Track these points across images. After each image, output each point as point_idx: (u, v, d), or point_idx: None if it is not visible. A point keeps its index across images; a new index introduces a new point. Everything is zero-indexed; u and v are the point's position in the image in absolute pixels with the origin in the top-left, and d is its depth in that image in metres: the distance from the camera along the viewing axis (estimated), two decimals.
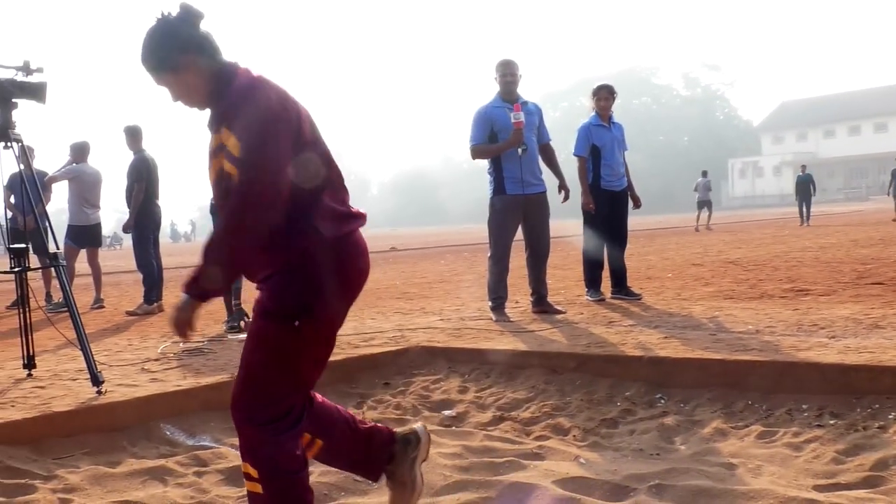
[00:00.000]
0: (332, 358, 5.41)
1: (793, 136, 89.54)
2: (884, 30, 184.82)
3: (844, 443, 3.68)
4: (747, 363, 4.62)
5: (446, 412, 4.75)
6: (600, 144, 7.93)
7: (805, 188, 26.85)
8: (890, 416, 3.90)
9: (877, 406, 4.04)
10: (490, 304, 7.19)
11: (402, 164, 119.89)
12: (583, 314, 7.04)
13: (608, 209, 7.98)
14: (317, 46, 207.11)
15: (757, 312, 6.53)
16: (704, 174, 27.11)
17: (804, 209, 26.28)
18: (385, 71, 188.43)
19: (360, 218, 2.73)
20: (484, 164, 7.18)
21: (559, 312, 7.04)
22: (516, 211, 7.06)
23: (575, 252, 10.16)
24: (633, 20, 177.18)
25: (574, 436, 4.19)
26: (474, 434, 4.25)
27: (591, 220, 8.01)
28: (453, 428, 4.45)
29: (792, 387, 4.38)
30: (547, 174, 7.29)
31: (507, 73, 7.00)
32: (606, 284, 8.11)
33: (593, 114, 8.07)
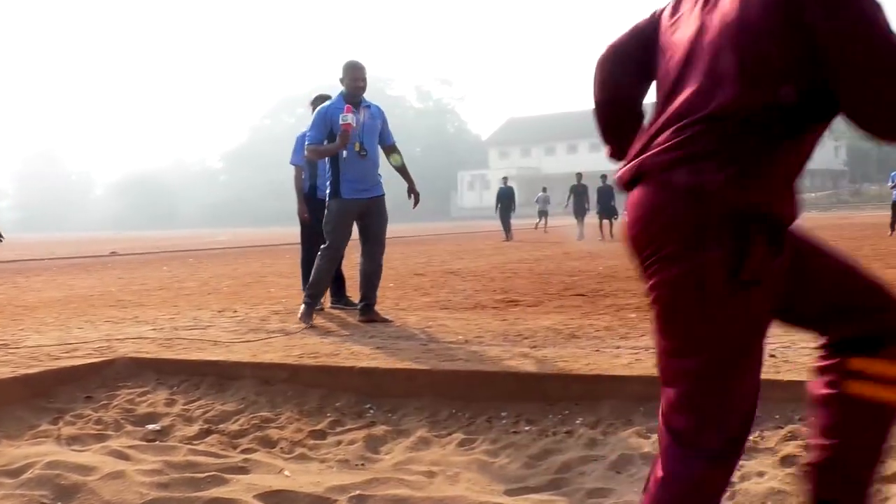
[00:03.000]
0: (27, 371, 5.13)
1: (518, 151, 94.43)
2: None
3: (536, 448, 3.90)
4: (452, 373, 4.80)
5: (150, 426, 4.59)
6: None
7: (507, 201, 26.65)
8: (577, 422, 4.18)
9: (567, 412, 4.33)
10: (305, 299, 7.07)
11: (131, 165, 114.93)
12: (299, 324, 7.03)
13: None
14: (27, 24, 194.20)
15: (468, 323, 6.80)
16: (544, 189, 30.98)
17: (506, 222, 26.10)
18: (111, 64, 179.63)
19: None
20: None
21: (386, 321, 6.95)
22: (352, 215, 6.96)
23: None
24: (369, 30, 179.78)
25: (282, 448, 4.17)
26: (178, 448, 4.12)
27: (308, 229, 8.04)
28: (157, 442, 4.30)
29: (493, 395, 4.60)
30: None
31: (359, 79, 6.96)
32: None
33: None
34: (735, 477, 3.30)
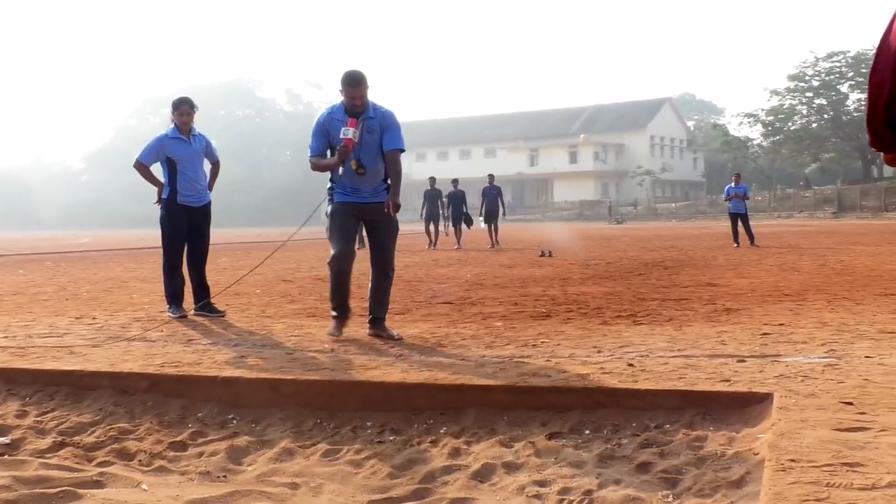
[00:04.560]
0: None
1: (408, 155, 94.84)
2: (495, 62, 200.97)
3: (401, 458, 3.91)
4: (317, 382, 4.77)
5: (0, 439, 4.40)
6: (177, 158, 7.82)
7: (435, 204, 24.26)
8: (441, 431, 4.22)
9: (432, 421, 4.36)
10: (332, 313, 6.58)
11: None
12: (162, 332, 6.86)
13: (187, 224, 7.90)
14: None
15: None
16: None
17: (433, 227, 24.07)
18: None
19: None
20: None
21: (393, 338, 6.32)
22: (349, 217, 6.48)
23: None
24: (237, 31, 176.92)
25: (140, 460, 4.06)
26: (29, 463, 3.95)
27: (169, 234, 7.88)
28: (6, 457, 4.11)
29: (359, 404, 4.59)
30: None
31: (355, 97, 6.21)
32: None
33: (172, 126, 7.90)
34: (592, 484, 3.40)
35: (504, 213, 24.80)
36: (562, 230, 37.86)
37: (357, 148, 6.27)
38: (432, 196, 23.58)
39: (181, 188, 7.84)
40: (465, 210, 23.53)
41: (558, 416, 4.26)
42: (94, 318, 7.79)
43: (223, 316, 7.80)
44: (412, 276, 12.61)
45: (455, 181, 24.14)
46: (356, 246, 6.63)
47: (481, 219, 24.29)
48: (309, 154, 6.49)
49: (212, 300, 7.99)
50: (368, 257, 6.58)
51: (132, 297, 10.10)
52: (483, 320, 7.27)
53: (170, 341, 6.38)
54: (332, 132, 6.36)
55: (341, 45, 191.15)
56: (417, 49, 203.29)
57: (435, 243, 23.10)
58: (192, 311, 7.87)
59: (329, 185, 6.60)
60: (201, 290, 7.99)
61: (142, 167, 7.86)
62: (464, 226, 23.51)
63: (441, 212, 23.79)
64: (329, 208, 6.56)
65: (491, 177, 25.01)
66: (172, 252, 7.95)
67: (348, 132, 6.20)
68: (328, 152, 6.48)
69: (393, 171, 6.40)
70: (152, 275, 12.32)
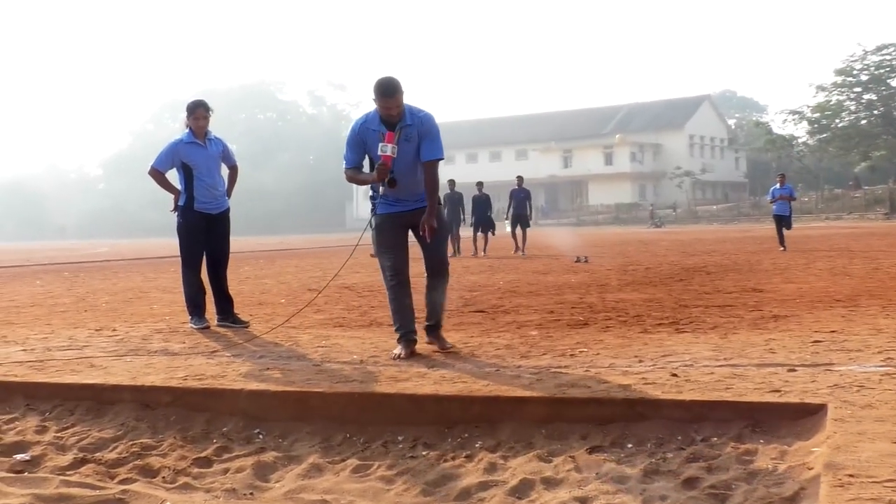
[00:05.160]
0: None
1: None
2: (526, 60, 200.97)
3: (434, 473, 3.90)
4: (346, 395, 4.76)
5: (19, 456, 4.43)
6: (193, 164, 7.82)
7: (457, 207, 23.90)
8: (476, 445, 4.20)
9: (466, 435, 4.34)
10: (396, 333, 6.29)
11: (0, 170, 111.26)
12: (184, 343, 6.90)
13: (205, 232, 7.93)
14: None
15: (363, 342, 6.77)
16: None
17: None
18: None
19: None
20: None
21: (446, 348, 6.25)
22: (396, 228, 6.31)
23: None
24: (258, 32, 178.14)
25: (163, 477, 4.08)
26: (50, 480, 3.98)
27: (186, 242, 7.91)
28: (26, 474, 4.15)
29: (389, 418, 4.58)
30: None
31: (389, 107, 5.94)
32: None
33: (187, 131, 7.90)
34: (636, 501, 3.36)
35: (532, 218, 23.91)
36: (567, 234, 37.41)
37: (393, 163, 6.05)
38: (452, 200, 22.67)
39: (198, 195, 7.85)
40: (489, 215, 23.08)
41: (599, 429, 4.22)
42: (115, 330, 7.85)
43: (247, 327, 7.83)
44: None
45: (479, 184, 23.59)
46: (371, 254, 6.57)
47: (507, 222, 23.85)
48: (344, 165, 6.33)
49: (235, 311, 8.04)
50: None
51: (153, 307, 10.18)
52: (518, 329, 7.25)
53: (192, 353, 6.41)
54: (368, 142, 6.16)
55: (364, 44, 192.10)
56: (444, 47, 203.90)
57: (458, 250, 22.61)
58: (216, 323, 7.91)
59: (371, 194, 6.46)
60: (223, 301, 8.02)
61: (157, 174, 7.90)
62: (488, 233, 23.03)
63: (462, 217, 23.04)
64: (373, 221, 6.43)
65: (520, 178, 24.09)
66: (191, 261, 7.97)
67: (386, 149, 5.98)
68: (367, 163, 6.33)
69: (430, 185, 6.20)
70: (173, 285, 12.40)
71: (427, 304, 6.41)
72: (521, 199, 23.20)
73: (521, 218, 23.13)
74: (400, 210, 6.28)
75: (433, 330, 6.42)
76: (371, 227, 6.49)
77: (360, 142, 6.20)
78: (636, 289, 10.93)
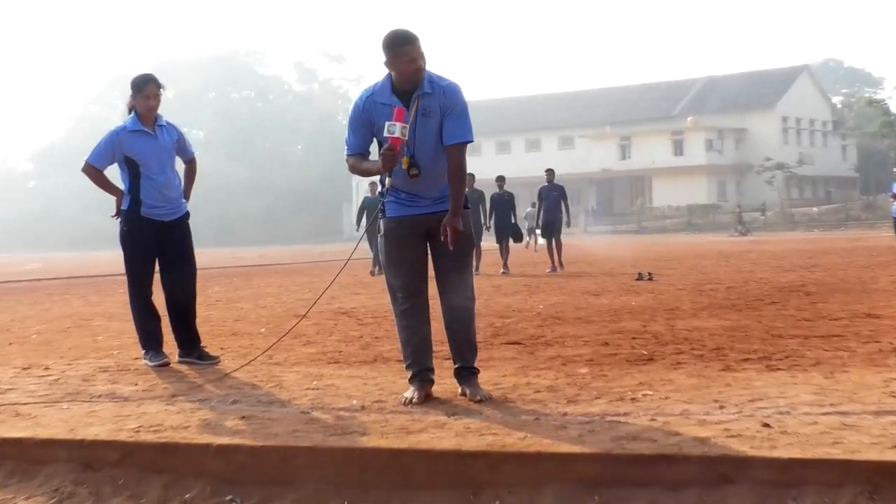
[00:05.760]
0: None
1: None
2: (572, 24, 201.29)
3: None
4: (344, 451, 4.76)
5: None
6: (139, 157, 7.79)
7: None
8: None
9: (498, 502, 4.33)
10: (406, 369, 6.24)
11: None
12: (136, 385, 6.92)
13: (156, 245, 7.91)
14: None
15: (366, 382, 6.77)
16: (534, 205, 27.33)
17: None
18: None
19: None
20: None
21: (480, 400, 5.91)
22: (411, 237, 6.14)
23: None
24: None
25: None
26: None
27: (131, 256, 7.94)
28: None
29: (399, 481, 4.58)
30: None
31: (406, 61, 5.82)
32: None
33: (131, 115, 7.87)
34: None
35: (568, 223, 23.12)
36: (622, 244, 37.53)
37: (410, 143, 5.91)
38: (472, 200, 21.87)
39: (145, 197, 7.80)
40: (513, 220, 22.46)
41: (670, 495, 4.21)
42: (47, 369, 7.87)
43: (217, 363, 7.83)
44: None
45: (500, 179, 22.77)
46: (374, 270, 6.53)
47: (538, 232, 23.22)
48: (345, 151, 6.20)
49: (202, 344, 8.04)
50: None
51: (97, 339, 10.22)
52: (563, 366, 7.23)
53: (147, 398, 6.42)
54: (375, 120, 5.99)
55: (367, 7, 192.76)
56: (467, 6, 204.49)
57: (477, 267, 21.19)
58: (177, 359, 7.92)
59: (378, 189, 6.35)
60: (185, 332, 7.99)
61: (92, 171, 7.84)
62: (508, 242, 22.48)
63: (483, 222, 22.15)
64: (381, 226, 6.27)
65: (550, 172, 23.08)
66: (139, 281, 7.97)
67: (394, 129, 5.77)
68: (374, 146, 6.17)
69: (453, 175, 6.00)
70: (122, 310, 12.44)
71: (449, 340, 6.24)
72: (553, 199, 22.64)
73: (553, 224, 22.57)
74: (415, 213, 6.11)
75: (466, 375, 6.18)
76: (378, 232, 6.36)
77: (366, 121, 6.05)
78: (715, 314, 10.89)
